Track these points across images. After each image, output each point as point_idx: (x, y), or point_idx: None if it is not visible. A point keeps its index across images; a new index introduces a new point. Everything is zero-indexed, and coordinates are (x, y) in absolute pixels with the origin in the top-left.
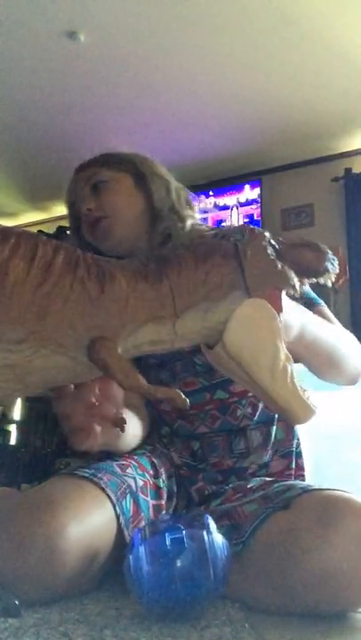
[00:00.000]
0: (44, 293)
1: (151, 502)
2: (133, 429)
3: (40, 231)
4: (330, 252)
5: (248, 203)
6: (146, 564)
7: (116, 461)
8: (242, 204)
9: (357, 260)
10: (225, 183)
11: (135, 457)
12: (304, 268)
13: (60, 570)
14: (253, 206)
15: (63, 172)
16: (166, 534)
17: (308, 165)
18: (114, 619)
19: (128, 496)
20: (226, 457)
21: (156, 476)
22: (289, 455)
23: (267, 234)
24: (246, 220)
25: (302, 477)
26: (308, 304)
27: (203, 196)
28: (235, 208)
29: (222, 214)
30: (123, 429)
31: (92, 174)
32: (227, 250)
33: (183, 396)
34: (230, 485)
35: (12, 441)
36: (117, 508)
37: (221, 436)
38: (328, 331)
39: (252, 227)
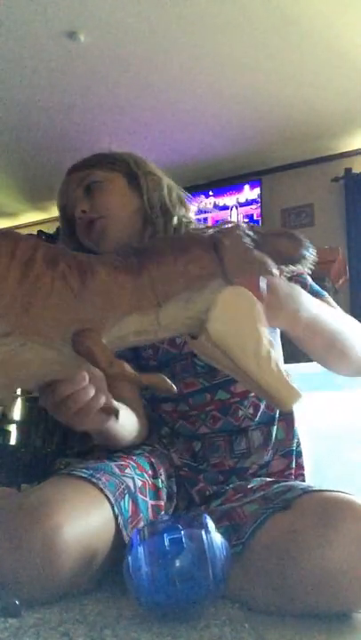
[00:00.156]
0: (27, 288)
1: (150, 502)
2: (130, 425)
3: (40, 231)
4: (305, 239)
5: (248, 203)
6: (145, 565)
7: (114, 462)
8: (241, 204)
9: (357, 259)
10: (225, 183)
11: (134, 457)
12: (281, 255)
13: (59, 570)
14: (253, 206)
15: (63, 172)
16: (165, 534)
17: (308, 165)
18: (114, 619)
19: (127, 496)
20: (227, 457)
21: (155, 476)
22: (289, 455)
23: (242, 224)
24: (246, 220)
25: (302, 477)
26: (315, 297)
27: (202, 196)
28: (234, 208)
29: (222, 214)
30: (117, 416)
31: (85, 175)
32: (205, 241)
33: (169, 382)
34: (231, 486)
35: (12, 441)
36: (116, 508)
37: (222, 436)
38: (330, 313)
39: (228, 220)
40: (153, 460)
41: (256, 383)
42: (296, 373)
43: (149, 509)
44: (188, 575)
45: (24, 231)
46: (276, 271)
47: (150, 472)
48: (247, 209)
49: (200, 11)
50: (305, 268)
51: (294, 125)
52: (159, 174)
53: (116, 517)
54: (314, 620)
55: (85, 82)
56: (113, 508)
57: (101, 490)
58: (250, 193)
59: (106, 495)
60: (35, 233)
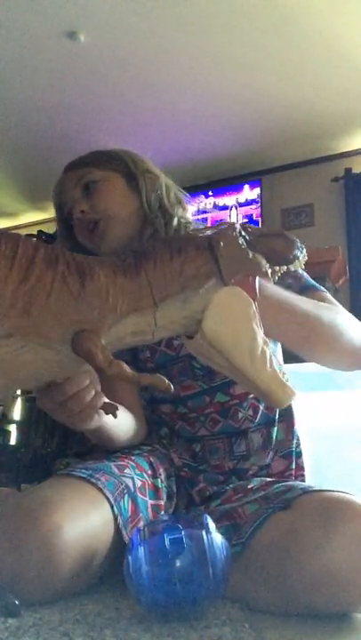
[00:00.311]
0: (27, 289)
1: (150, 502)
2: (125, 425)
3: (40, 231)
4: (298, 240)
5: (248, 203)
6: (145, 565)
7: (113, 462)
8: (241, 205)
9: (357, 259)
10: (224, 183)
11: (133, 457)
12: (275, 255)
13: (58, 570)
14: (253, 206)
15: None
16: (165, 534)
17: (308, 165)
18: (114, 619)
19: (126, 496)
20: (226, 459)
21: (155, 476)
22: (289, 455)
23: (237, 225)
24: (246, 220)
25: (302, 477)
26: (309, 290)
27: (202, 196)
28: (234, 208)
29: (222, 214)
30: (115, 415)
31: (83, 174)
32: (200, 242)
33: (167, 381)
34: (231, 486)
35: (12, 441)
36: (115, 508)
37: (222, 438)
38: (305, 300)
39: (225, 221)
40: (152, 459)
41: (252, 382)
42: (296, 373)
43: (149, 509)
44: (188, 575)
45: (24, 231)
46: (269, 272)
47: (150, 472)
48: (247, 209)
49: (200, 11)
50: (298, 269)
51: (294, 125)
52: (157, 172)
53: (115, 517)
54: (314, 620)
55: (85, 82)
56: (112, 507)
57: (100, 490)
58: (250, 193)
59: (105, 495)
60: (35, 233)
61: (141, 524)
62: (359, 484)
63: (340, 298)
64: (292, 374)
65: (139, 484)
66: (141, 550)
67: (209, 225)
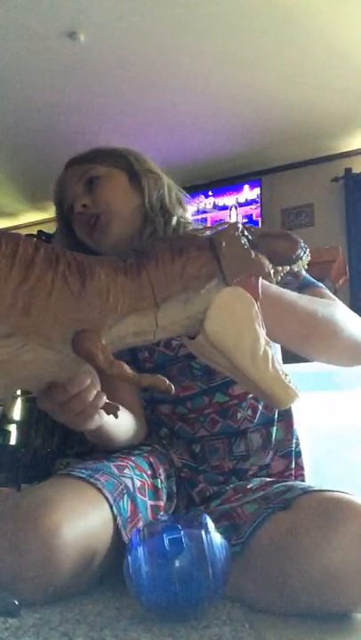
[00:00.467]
0: (28, 289)
1: (149, 503)
2: (125, 425)
3: (40, 231)
4: (301, 240)
5: (247, 203)
6: (145, 565)
7: (113, 462)
8: (241, 205)
9: (357, 259)
10: (224, 183)
11: (133, 457)
12: (277, 255)
13: (58, 570)
14: (253, 206)
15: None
16: (165, 535)
17: (308, 165)
18: (114, 619)
19: (125, 497)
20: (226, 459)
21: (154, 476)
22: (288, 455)
23: (239, 225)
24: (245, 220)
25: (302, 477)
26: (308, 287)
27: (202, 196)
28: (234, 208)
29: (221, 214)
30: (116, 415)
31: (86, 170)
32: (202, 242)
33: (167, 382)
34: (231, 486)
35: (12, 441)
36: (114, 508)
37: (221, 439)
38: (304, 298)
39: (225, 221)
40: (152, 460)
41: (253, 383)
42: (296, 373)
43: (148, 509)
44: (187, 575)
45: (24, 231)
46: (272, 272)
47: (149, 472)
48: (247, 209)
49: (200, 11)
50: (300, 269)
51: (294, 125)
52: (158, 172)
53: (114, 518)
54: (314, 620)
55: (85, 82)
56: (112, 508)
57: (100, 490)
58: (249, 193)
59: (104, 495)
60: (35, 233)
61: (141, 524)
62: (359, 484)
63: (341, 298)
64: (292, 374)
65: (138, 484)
66: (141, 550)
67: (209, 225)
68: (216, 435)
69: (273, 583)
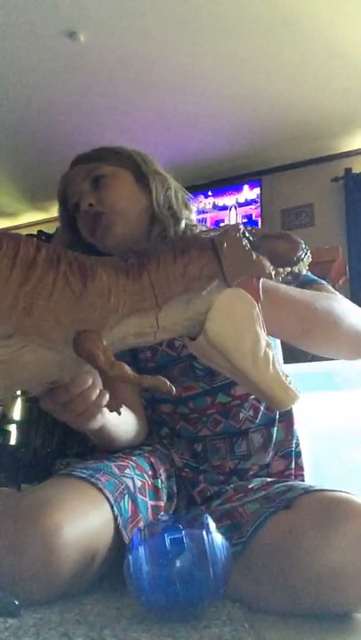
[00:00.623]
0: (29, 289)
1: (150, 503)
2: (126, 425)
3: (40, 231)
4: (302, 241)
5: (247, 203)
6: (145, 565)
7: (114, 462)
8: (241, 205)
9: (357, 259)
10: (224, 183)
11: (133, 458)
12: (278, 257)
13: (58, 570)
14: (252, 206)
15: (63, 172)
16: (165, 534)
17: (308, 165)
18: (114, 619)
19: (126, 497)
20: (227, 459)
21: (155, 476)
22: (288, 455)
23: (240, 226)
24: (245, 220)
25: (302, 477)
26: (309, 284)
27: (202, 196)
28: (233, 208)
29: (221, 215)
30: (119, 412)
31: (92, 169)
32: (203, 243)
33: (168, 383)
34: (232, 486)
35: (12, 441)
36: (115, 508)
37: (223, 438)
38: (303, 293)
39: (226, 223)
40: (153, 460)
41: (254, 384)
42: (296, 373)
43: (149, 510)
44: (188, 575)
45: (24, 231)
46: (273, 274)
47: (150, 472)
48: (246, 209)
49: (200, 11)
50: (301, 270)
51: (294, 125)
52: (164, 174)
53: (115, 518)
54: (314, 620)
55: (85, 82)
56: (112, 508)
57: (101, 490)
58: (249, 193)
59: (105, 495)
60: (35, 233)
61: (141, 524)
62: (359, 484)
63: None
64: (292, 374)
65: (139, 484)
66: (142, 550)
67: (209, 225)
68: (218, 434)
69: (274, 583)
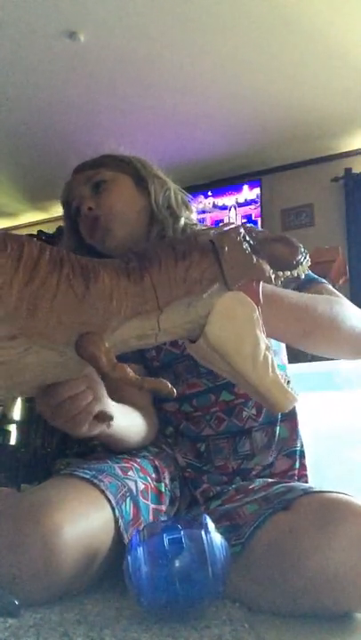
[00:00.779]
0: (32, 291)
1: (151, 506)
2: (136, 427)
3: (40, 231)
4: (301, 245)
5: (247, 203)
6: (145, 565)
7: (117, 463)
8: (240, 205)
9: (357, 259)
10: (224, 183)
11: (138, 460)
12: (278, 261)
13: (58, 570)
14: (252, 206)
15: (63, 172)
16: (164, 535)
17: (308, 165)
18: (114, 619)
19: (128, 499)
20: (231, 459)
21: (159, 480)
22: (293, 455)
23: (241, 229)
24: (245, 220)
25: (306, 477)
26: (309, 284)
27: (202, 196)
28: (233, 208)
29: (221, 214)
30: (108, 425)
31: (93, 174)
32: (204, 246)
33: (170, 386)
34: (234, 486)
35: (12, 441)
36: (117, 510)
37: (226, 438)
38: (302, 295)
39: (226, 223)
40: (157, 463)
41: (253, 387)
42: (296, 373)
43: (150, 513)
44: (187, 575)
45: (24, 231)
46: (272, 278)
47: (154, 476)
48: (246, 209)
49: (200, 10)
50: (301, 274)
51: (294, 125)
52: (164, 177)
53: (116, 520)
54: (314, 621)
55: (85, 82)
56: (114, 510)
57: (103, 492)
58: (249, 193)
59: (107, 497)
60: (35, 233)
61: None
62: (359, 484)
63: None
64: (292, 374)
65: (141, 487)
66: (141, 551)
67: (207, 225)
68: (221, 433)
69: (273, 583)
